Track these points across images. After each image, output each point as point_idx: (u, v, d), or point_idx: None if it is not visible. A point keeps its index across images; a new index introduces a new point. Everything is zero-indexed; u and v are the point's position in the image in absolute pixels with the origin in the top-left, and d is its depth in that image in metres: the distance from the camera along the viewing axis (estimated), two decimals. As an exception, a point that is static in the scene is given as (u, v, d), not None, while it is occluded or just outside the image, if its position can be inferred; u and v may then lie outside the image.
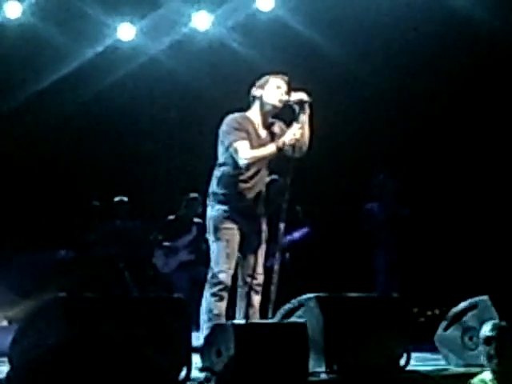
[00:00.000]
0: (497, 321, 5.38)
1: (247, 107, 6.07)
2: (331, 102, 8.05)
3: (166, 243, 8.65)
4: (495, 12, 8.45)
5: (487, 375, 4.88)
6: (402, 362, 5.67)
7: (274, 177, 6.63)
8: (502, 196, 9.07)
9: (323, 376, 5.25)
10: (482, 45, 8.80)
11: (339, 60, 8.87)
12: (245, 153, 5.84)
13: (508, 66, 8.85)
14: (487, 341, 4.92)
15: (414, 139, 9.19)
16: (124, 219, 8.98)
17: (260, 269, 6.03)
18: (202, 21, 8.98)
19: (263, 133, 6.01)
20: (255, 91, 6.04)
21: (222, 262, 5.94)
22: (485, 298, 6.12)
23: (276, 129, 6.07)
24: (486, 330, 5.01)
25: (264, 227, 6.07)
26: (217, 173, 6.05)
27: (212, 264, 6.02)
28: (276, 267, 5.93)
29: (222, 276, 5.93)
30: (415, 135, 9.18)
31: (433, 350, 6.39)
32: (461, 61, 8.91)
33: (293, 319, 5.49)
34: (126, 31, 9.08)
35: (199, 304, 6.02)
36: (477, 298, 6.18)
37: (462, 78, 8.98)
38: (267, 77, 6.04)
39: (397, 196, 8.55)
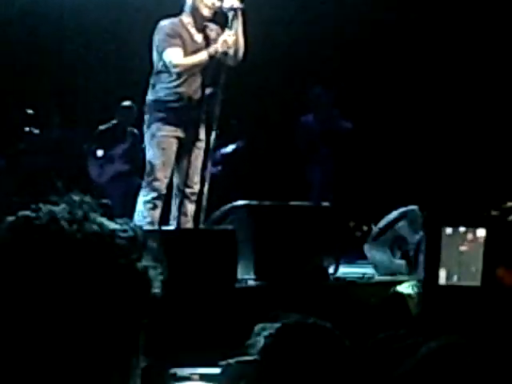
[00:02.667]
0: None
1: (180, 12, 5.98)
2: (266, 8, 7.90)
3: (100, 153, 8.55)
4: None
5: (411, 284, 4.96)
6: (331, 270, 5.75)
7: (215, 88, 6.56)
8: (441, 114, 9.11)
9: (251, 283, 5.30)
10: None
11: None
12: (176, 60, 5.79)
13: None
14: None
15: (356, 51, 9.11)
16: (57, 128, 8.84)
17: (196, 178, 6.02)
18: None
19: (198, 37, 5.95)
20: None
21: (157, 169, 5.94)
22: (414, 207, 6.20)
23: (211, 33, 5.99)
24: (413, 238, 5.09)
25: (202, 136, 6.04)
26: (153, 80, 6.00)
27: (147, 172, 6.01)
28: (207, 175, 5.94)
29: (156, 184, 5.93)
30: (357, 47, 9.10)
31: (364, 260, 6.49)
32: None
33: (223, 226, 5.51)
34: None
35: (133, 213, 6.02)
36: (406, 208, 6.26)
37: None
38: None
39: (334, 109, 8.52)
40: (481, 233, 3.56)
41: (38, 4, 9.05)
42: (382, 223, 6.32)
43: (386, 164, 9.11)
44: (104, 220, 1.25)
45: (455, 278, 3.54)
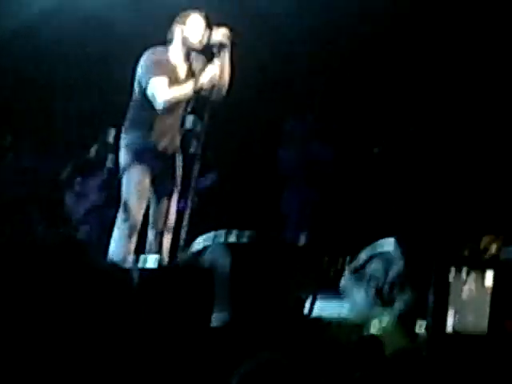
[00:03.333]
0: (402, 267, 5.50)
1: (167, 43, 5.98)
2: (250, 43, 7.96)
3: (77, 184, 8.53)
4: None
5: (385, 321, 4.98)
6: (307, 308, 5.75)
7: (191, 123, 6.58)
8: (427, 142, 9.14)
9: (226, 321, 5.28)
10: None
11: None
12: (161, 90, 5.78)
13: None
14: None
15: (335, 80, 9.17)
16: (34, 157, 8.81)
17: (172, 211, 6.02)
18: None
19: (183, 70, 5.95)
20: (176, 27, 5.95)
21: (132, 202, 5.93)
22: (391, 240, 6.20)
23: (197, 65, 5.99)
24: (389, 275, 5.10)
25: (178, 169, 6.04)
26: (132, 109, 5.99)
27: (122, 203, 5.99)
28: (187, 209, 5.94)
29: (131, 216, 5.91)
30: (336, 77, 9.16)
31: (339, 297, 6.49)
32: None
33: (200, 262, 5.51)
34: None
35: (109, 244, 6.00)
36: (383, 241, 6.28)
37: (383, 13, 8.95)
38: (188, 13, 5.96)
39: (314, 141, 8.57)
40: (489, 275, 3.57)
41: (19, 24, 9.05)
42: (358, 260, 6.34)
43: (363, 196, 9.14)
44: None
45: (462, 323, 3.55)
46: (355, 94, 9.17)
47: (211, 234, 5.80)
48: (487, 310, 3.52)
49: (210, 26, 5.91)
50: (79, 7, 9.06)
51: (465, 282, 3.59)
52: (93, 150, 8.64)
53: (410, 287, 5.03)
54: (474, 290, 3.58)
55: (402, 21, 8.86)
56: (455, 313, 3.57)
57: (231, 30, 5.85)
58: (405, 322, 4.94)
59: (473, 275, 3.60)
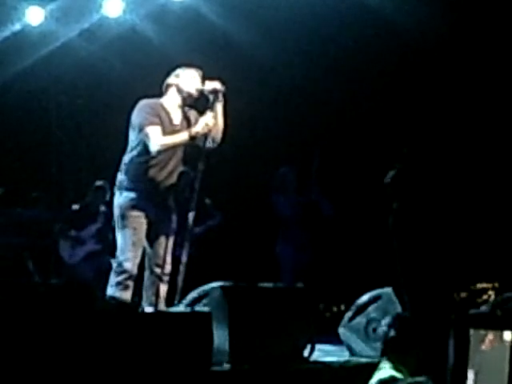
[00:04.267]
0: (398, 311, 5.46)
1: (160, 95, 6.03)
2: (244, 92, 8.03)
3: (72, 233, 8.51)
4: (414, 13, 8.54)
5: (386, 366, 4.93)
6: (306, 352, 5.71)
7: (185, 169, 6.60)
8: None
9: (226, 366, 5.24)
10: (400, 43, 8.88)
11: (253, 50, 8.88)
12: (156, 138, 5.79)
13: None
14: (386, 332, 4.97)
15: (329, 133, 9.24)
16: (29, 207, 8.81)
17: (168, 258, 5.99)
18: (113, 7, 8.85)
19: (177, 120, 5.97)
20: (171, 79, 6.01)
21: (128, 250, 5.88)
22: (388, 290, 6.20)
23: (190, 117, 6.04)
24: (387, 321, 5.08)
25: (173, 216, 6.03)
26: (127, 159, 5.98)
27: (118, 252, 5.96)
28: (184, 257, 5.91)
29: (127, 265, 5.87)
30: (329, 129, 9.23)
31: (337, 342, 6.45)
32: (375, 56, 8.98)
33: (198, 308, 5.46)
34: (34, 15, 8.84)
35: (104, 294, 5.95)
36: (380, 290, 6.26)
37: (373, 71, 9.04)
38: (183, 67, 6.03)
39: (314, 187, 8.59)
40: (507, 335, 3.53)
41: (8, 80, 9.11)
42: (356, 306, 6.32)
43: (358, 246, 9.14)
44: None
45: (481, 381, 3.50)
46: (349, 143, 9.25)
47: (208, 285, 5.77)
48: (506, 369, 3.49)
49: (203, 78, 5.98)
50: (75, 58, 9.15)
51: (482, 338, 3.56)
52: (87, 199, 8.65)
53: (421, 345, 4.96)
54: (492, 349, 3.54)
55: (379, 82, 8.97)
56: (475, 373, 3.53)
57: (224, 82, 5.91)
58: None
59: (491, 334, 3.57)
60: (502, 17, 8.50)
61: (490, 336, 3.53)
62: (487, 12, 8.51)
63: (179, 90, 5.95)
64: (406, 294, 5.58)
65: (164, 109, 5.94)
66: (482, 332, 3.53)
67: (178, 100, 5.97)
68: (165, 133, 5.84)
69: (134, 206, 5.89)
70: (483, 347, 3.52)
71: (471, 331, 3.52)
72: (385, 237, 8.86)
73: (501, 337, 3.52)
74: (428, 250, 5.81)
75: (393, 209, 5.97)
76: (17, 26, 8.89)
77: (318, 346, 5.99)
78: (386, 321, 6.01)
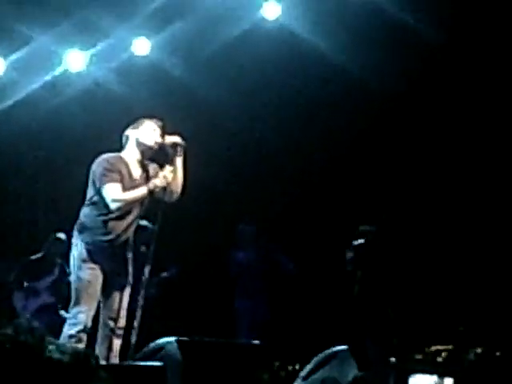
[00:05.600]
0: (356, 372, 5.46)
1: (120, 148, 6.03)
2: (206, 147, 8.06)
3: (26, 284, 8.41)
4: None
5: None
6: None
7: (144, 223, 6.58)
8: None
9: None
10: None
11: (216, 105, 8.95)
12: (115, 195, 5.78)
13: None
14: None
15: (291, 188, 9.28)
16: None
17: (122, 312, 5.93)
18: (76, 61, 8.87)
19: (136, 174, 5.97)
20: (130, 132, 6.01)
21: (82, 302, 5.82)
22: (343, 348, 6.19)
23: (150, 170, 6.04)
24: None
25: (130, 269, 5.99)
26: (84, 212, 5.95)
27: (72, 304, 5.89)
28: (138, 311, 5.86)
29: (81, 317, 5.81)
30: (292, 185, 9.27)
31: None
32: (340, 107, 9.04)
33: (152, 362, 5.41)
34: (-4, 65, 8.83)
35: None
36: (335, 349, 6.25)
37: (341, 127, 9.11)
38: (142, 119, 6.04)
39: (271, 244, 8.60)
40: (448, 382, 3.55)
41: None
42: (311, 363, 6.29)
43: (315, 303, 9.12)
44: (54, 348, 1.24)
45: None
46: (313, 200, 9.28)
47: (163, 340, 5.72)
48: None
49: (163, 131, 6.00)
50: (33, 111, 9.14)
51: None
52: (44, 250, 8.56)
53: None
54: None
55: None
56: None
57: (183, 137, 5.94)
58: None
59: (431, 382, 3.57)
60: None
61: None
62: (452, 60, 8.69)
63: (138, 144, 5.96)
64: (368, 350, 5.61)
65: (124, 163, 5.93)
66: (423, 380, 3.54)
67: (137, 153, 5.98)
68: (124, 188, 5.83)
69: (91, 258, 5.85)
70: None
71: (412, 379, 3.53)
72: (341, 297, 8.90)
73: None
74: (384, 311, 5.92)
75: (357, 276, 6.08)
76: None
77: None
78: (343, 379, 6.00)
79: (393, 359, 5.32)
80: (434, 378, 3.53)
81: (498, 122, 8.65)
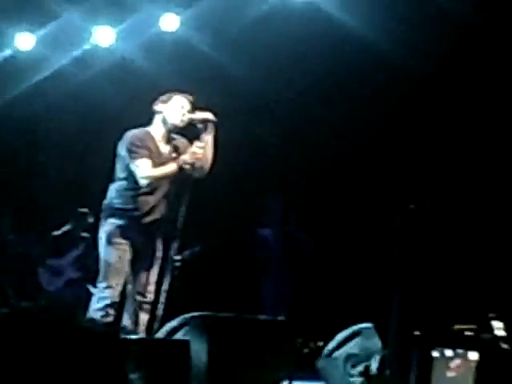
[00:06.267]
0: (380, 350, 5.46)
1: (148, 122, 6.04)
2: (234, 123, 8.05)
3: (51, 260, 8.47)
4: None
5: None
6: (285, 385, 5.70)
7: (171, 198, 6.59)
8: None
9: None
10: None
11: (245, 82, 8.93)
12: (145, 171, 5.80)
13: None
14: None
15: (318, 167, 9.26)
16: (7, 232, 8.75)
17: (150, 287, 5.98)
18: (104, 36, 8.88)
19: (165, 149, 5.97)
20: (157, 106, 6.00)
21: (110, 277, 5.87)
22: (368, 325, 6.20)
23: (179, 145, 6.04)
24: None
25: (158, 245, 6.02)
26: (115, 187, 5.98)
27: (100, 278, 5.94)
28: (165, 286, 5.91)
29: (109, 291, 5.86)
30: (317, 163, 9.25)
31: (315, 379, 6.42)
32: (371, 92, 8.98)
33: (177, 337, 5.45)
34: (24, 40, 8.86)
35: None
36: (360, 326, 6.26)
37: (366, 108, 9.05)
38: (171, 94, 6.03)
39: (291, 220, 8.60)
40: (473, 356, 3.53)
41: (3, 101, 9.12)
42: (335, 340, 6.31)
43: (338, 281, 9.13)
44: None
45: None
46: (335, 179, 9.27)
47: (188, 315, 5.76)
48: None
49: (193, 107, 5.99)
50: (66, 85, 9.17)
51: (448, 362, 3.56)
52: (69, 225, 8.61)
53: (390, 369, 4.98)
54: (457, 370, 3.54)
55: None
56: None
57: (215, 113, 5.92)
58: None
59: (456, 355, 3.57)
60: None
61: (456, 361, 3.53)
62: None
63: (165, 120, 5.97)
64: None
65: (152, 139, 5.95)
66: (448, 356, 3.53)
67: (165, 129, 5.99)
68: (154, 164, 5.86)
69: (120, 233, 5.89)
70: (449, 374, 3.52)
71: (436, 356, 3.53)
72: (365, 274, 8.91)
73: (466, 359, 3.52)
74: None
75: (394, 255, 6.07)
76: (7, 52, 8.92)
77: (295, 383, 5.97)
78: (366, 356, 6.01)
79: (417, 332, 5.33)
80: (459, 351, 3.53)
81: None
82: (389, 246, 6.08)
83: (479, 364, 3.44)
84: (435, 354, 3.57)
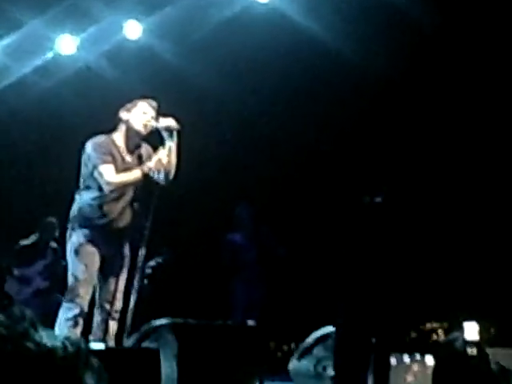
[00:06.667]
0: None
1: (113, 130, 6.02)
2: (198, 130, 8.05)
3: (18, 270, 8.42)
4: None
5: None
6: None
7: (137, 205, 6.58)
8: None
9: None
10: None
11: (209, 88, 8.94)
12: (109, 177, 5.78)
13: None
14: None
15: (287, 170, 9.28)
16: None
17: (119, 295, 5.96)
18: (66, 45, 8.85)
19: (129, 156, 5.96)
20: (122, 114, 5.99)
21: (79, 286, 5.84)
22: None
23: (143, 152, 6.03)
24: None
25: (126, 252, 6.01)
26: (79, 196, 5.95)
27: (68, 288, 5.91)
28: (133, 293, 5.89)
29: (78, 301, 5.83)
30: (288, 165, 9.28)
31: (288, 381, 6.43)
32: (330, 92, 9.02)
33: (146, 345, 5.44)
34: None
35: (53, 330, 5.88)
36: (329, 329, 6.27)
37: (327, 107, 9.09)
38: (136, 101, 6.02)
39: (262, 225, 8.62)
40: (430, 361, 3.56)
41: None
42: (306, 343, 6.32)
43: (309, 284, 9.15)
44: (45, 336, 1.25)
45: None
46: (304, 181, 9.29)
47: (157, 322, 5.75)
48: None
49: (158, 112, 5.98)
50: (26, 94, 9.12)
51: (406, 368, 3.58)
52: (36, 235, 8.57)
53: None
54: (415, 375, 3.57)
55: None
56: None
57: (178, 120, 5.93)
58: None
59: (414, 361, 3.60)
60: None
61: (415, 367, 3.57)
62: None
63: (128, 128, 5.96)
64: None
65: (116, 145, 5.93)
66: (405, 362, 3.57)
67: (128, 136, 5.97)
68: (117, 170, 5.84)
69: (87, 242, 5.86)
70: (408, 379, 3.56)
71: (393, 361, 3.56)
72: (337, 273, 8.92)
73: (424, 365, 3.56)
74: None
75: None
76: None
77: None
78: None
79: (373, 340, 5.35)
80: (417, 356, 3.56)
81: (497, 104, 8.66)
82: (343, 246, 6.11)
83: (435, 368, 3.46)
84: (393, 360, 3.60)
